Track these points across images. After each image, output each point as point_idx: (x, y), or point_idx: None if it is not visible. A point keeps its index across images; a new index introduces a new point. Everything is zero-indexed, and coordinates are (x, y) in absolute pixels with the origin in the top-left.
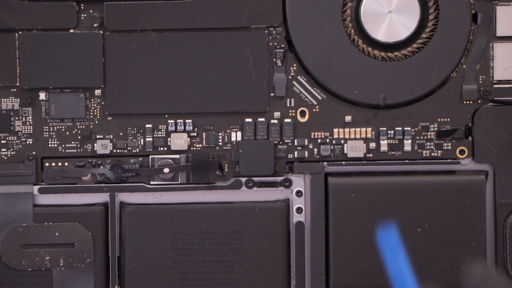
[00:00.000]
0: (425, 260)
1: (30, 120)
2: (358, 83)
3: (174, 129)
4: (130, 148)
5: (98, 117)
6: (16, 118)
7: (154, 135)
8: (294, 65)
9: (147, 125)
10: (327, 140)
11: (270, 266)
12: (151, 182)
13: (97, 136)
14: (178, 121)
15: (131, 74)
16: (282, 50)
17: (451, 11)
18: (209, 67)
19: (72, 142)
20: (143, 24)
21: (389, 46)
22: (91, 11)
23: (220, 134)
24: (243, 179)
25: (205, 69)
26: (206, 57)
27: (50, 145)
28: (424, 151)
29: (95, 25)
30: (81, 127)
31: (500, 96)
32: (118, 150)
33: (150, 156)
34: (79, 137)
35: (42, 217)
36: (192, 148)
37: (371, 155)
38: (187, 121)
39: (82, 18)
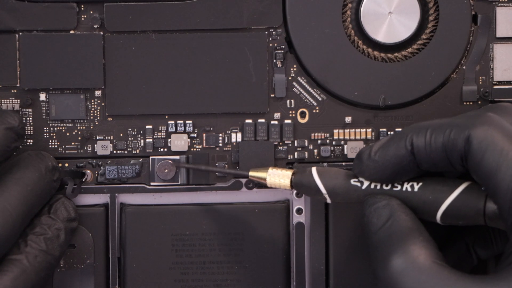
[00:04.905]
0: None
1: (31, 121)
2: (358, 84)
3: (174, 130)
4: (131, 149)
5: (98, 118)
6: None
7: (154, 136)
8: (294, 66)
9: (147, 126)
10: (327, 141)
11: (270, 267)
12: (151, 183)
13: (97, 137)
14: (178, 122)
15: (131, 75)
16: (282, 51)
17: (451, 12)
18: (209, 68)
19: (73, 143)
20: (143, 25)
21: (389, 47)
22: (91, 12)
23: (220, 135)
24: (243, 180)
25: (205, 70)
26: (206, 58)
27: (50, 146)
28: None
29: (95, 26)
30: (81, 128)
31: (500, 97)
32: (118, 151)
33: (150, 157)
34: (80, 138)
35: None
36: (192, 149)
37: None
38: (187, 122)
39: (82, 19)
